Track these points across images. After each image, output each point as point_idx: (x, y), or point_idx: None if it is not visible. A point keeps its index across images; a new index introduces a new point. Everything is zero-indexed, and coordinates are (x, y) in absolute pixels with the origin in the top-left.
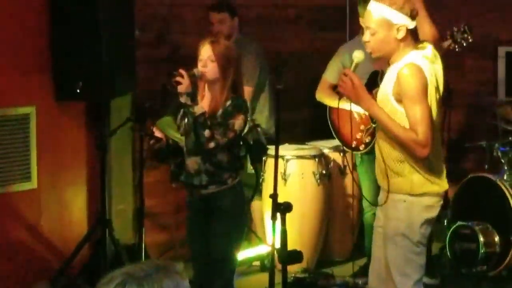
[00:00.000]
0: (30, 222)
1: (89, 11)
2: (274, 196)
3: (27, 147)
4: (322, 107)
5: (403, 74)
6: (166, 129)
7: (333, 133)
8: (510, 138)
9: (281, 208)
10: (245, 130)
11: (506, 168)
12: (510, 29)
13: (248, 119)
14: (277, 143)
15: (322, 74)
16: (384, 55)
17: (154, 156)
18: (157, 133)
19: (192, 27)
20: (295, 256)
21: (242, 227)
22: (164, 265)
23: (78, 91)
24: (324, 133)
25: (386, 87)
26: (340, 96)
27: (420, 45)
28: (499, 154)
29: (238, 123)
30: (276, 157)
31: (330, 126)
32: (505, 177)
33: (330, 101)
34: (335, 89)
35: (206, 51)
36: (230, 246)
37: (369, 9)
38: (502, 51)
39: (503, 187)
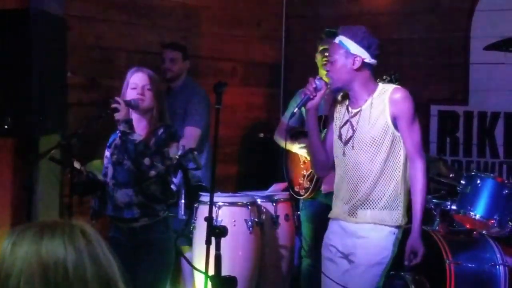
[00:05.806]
0: None
1: (22, 48)
2: (209, 220)
3: None
4: (252, 161)
5: (398, 96)
6: (94, 172)
7: (285, 176)
8: (442, 192)
9: (216, 232)
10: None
11: (438, 219)
12: (442, 88)
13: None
14: (213, 167)
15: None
16: (342, 85)
17: (73, 190)
18: (76, 165)
19: (123, 72)
20: (228, 283)
21: (170, 262)
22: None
23: (6, 127)
24: (254, 187)
25: (380, 120)
26: None
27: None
28: (432, 206)
29: (172, 151)
30: (213, 185)
31: (284, 168)
32: (437, 229)
33: (284, 144)
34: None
35: (141, 79)
36: (158, 282)
37: (333, 41)
38: (434, 109)
39: (436, 238)
